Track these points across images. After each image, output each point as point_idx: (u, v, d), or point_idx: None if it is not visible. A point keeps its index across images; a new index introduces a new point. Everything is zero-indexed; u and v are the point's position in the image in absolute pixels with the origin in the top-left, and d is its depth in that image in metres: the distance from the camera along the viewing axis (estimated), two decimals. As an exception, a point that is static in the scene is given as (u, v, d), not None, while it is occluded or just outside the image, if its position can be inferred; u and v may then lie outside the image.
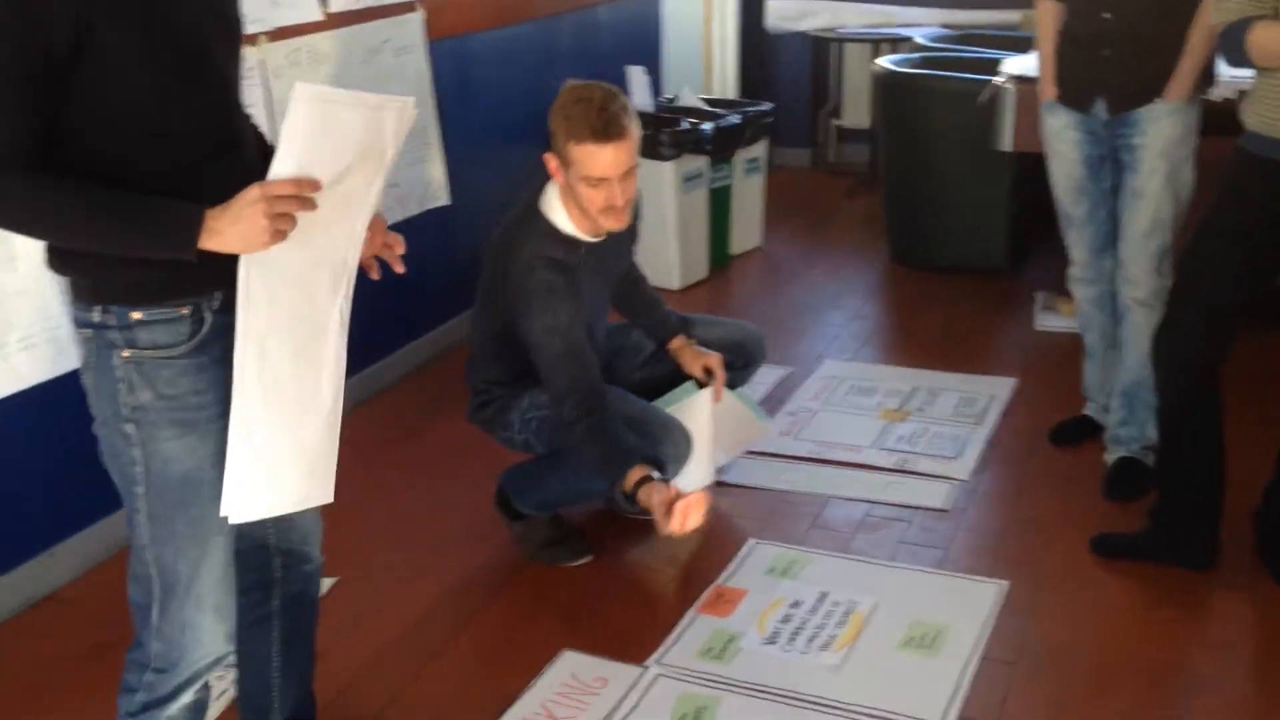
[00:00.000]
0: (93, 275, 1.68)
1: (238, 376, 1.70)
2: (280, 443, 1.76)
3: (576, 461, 2.74)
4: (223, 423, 1.74)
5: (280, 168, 1.62)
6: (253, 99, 3.31)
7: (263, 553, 2.01)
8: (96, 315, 1.69)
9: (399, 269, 1.89)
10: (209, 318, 1.72)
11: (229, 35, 1.76)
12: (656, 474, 2.55)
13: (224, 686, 2.44)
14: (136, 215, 1.60)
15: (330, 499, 1.87)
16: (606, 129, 2.55)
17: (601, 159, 2.57)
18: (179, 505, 1.75)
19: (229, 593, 1.84)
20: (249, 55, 3.28)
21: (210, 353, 1.73)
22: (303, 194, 1.62)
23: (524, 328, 2.69)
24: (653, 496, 2.49)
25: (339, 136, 1.64)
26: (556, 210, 2.73)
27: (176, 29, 1.63)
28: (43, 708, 2.47)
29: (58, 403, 2.71)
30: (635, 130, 2.61)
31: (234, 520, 1.76)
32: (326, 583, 2.86)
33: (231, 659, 1.96)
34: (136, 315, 1.68)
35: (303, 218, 1.64)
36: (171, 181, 1.64)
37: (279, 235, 1.62)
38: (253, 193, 1.60)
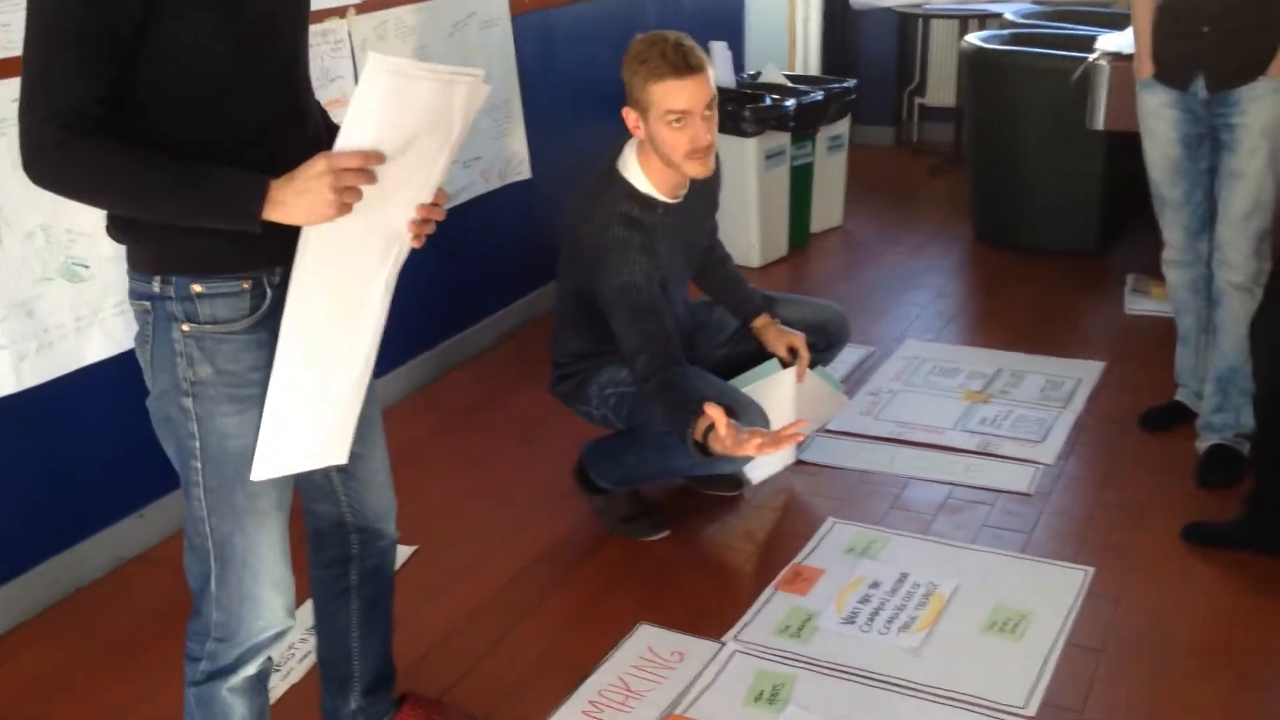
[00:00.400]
0: (153, 244, 1.65)
1: (283, 336, 1.69)
2: (312, 403, 1.75)
3: (655, 440, 2.74)
4: None
5: (348, 139, 1.60)
6: (340, 70, 3.34)
7: (341, 530, 2.02)
8: (156, 286, 1.67)
9: (414, 244, 1.77)
10: (270, 292, 1.70)
11: (296, 5, 1.74)
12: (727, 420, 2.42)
13: (306, 649, 2.49)
14: (201, 185, 1.58)
15: (344, 460, 1.84)
16: (686, 60, 2.56)
17: (684, 92, 2.56)
18: (237, 479, 1.74)
19: (287, 566, 1.84)
20: (337, 27, 3.31)
21: (270, 327, 1.71)
22: (368, 166, 1.60)
23: (599, 285, 2.68)
24: (724, 436, 2.37)
25: (409, 108, 1.62)
26: (634, 170, 2.72)
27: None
28: (131, 664, 2.54)
29: (149, 367, 2.77)
30: (710, 67, 2.61)
31: (256, 478, 1.73)
32: (406, 551, 2.90)
33: (294, 637, 1.96)
34: (197, 288, 1.66)
35: (365, 188, 1.62)
36: (236, 153, 1.62)
37: (345, 208, 1.60)
38: (319, 165, 1.58)
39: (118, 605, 2.75)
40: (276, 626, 1.84)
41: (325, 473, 1.93)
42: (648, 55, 2.57)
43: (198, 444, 1.72)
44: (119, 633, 2.64)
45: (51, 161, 1.54)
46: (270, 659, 1.89)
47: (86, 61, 1.52)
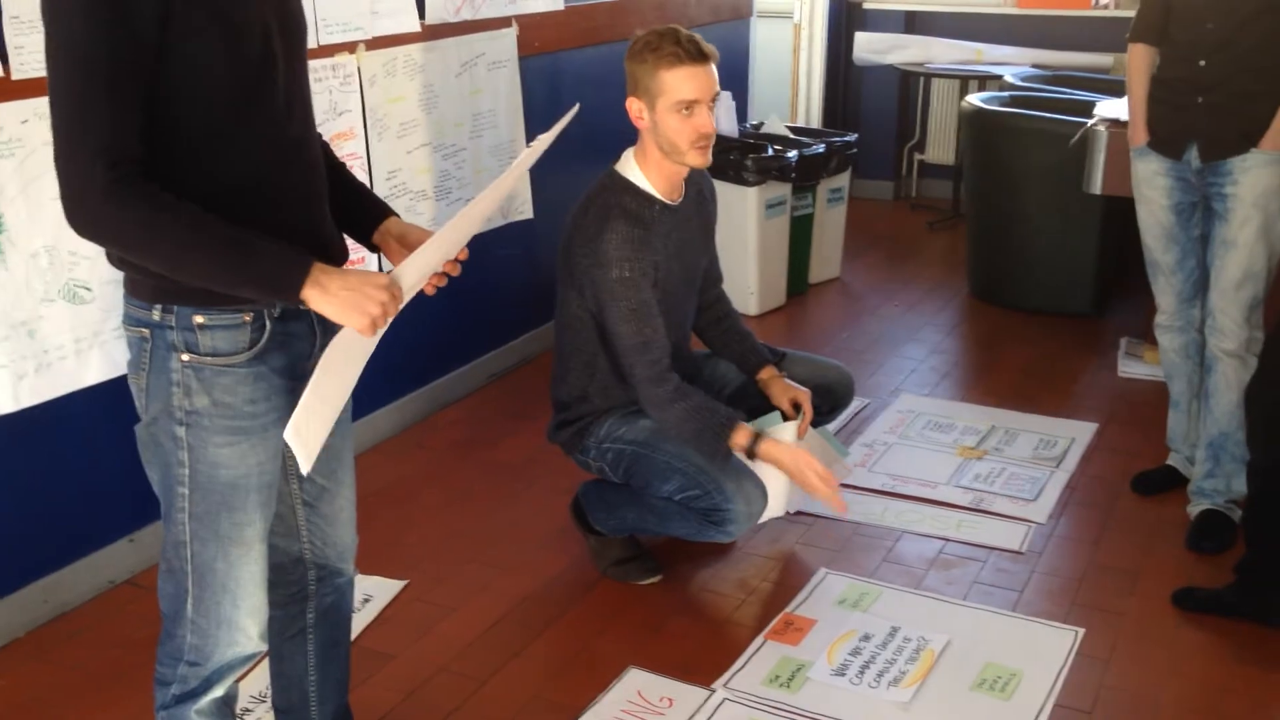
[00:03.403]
0: (155, 273, 1.63)
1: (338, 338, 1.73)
2: (323, 402, 1.76)
3: (654, 506, 2.77)
4: (276, 430, 1.74)
5: (442, 244, 1.71)
6: (348, 105, 3.37)
7: (299, 566, 1.99)
8: (156, 314, 1.67)
9: (428, 291, 1.83)
10: (269, 325, 1.71)
11: (293, 36, 1.74)
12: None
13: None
14: (249, 258, 1.58)
15: (305, 470, 1.82)
16: (698, 48, 2.61)
17: (696, 79, 2.60)
18: (224, 507, 1.73)
19: (265, 593, 1.84)
20: (346, 62, 3.33)
21: (269, 361, 1.72)
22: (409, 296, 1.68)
23: (598, 281, 2.68)
24: (783, 455, 2.65)
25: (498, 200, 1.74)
26: (632, 169, 2.76)
27: (244, 23, 1.61)
28: (116, 688, 2.51)
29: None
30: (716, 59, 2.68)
31: (305, 470, 1.74)
32: (395, 586, 2.88)
33: (266, 665, 1.96)
34: (199, 319, 1.66)
35: None
36: (237, 186, 1.63)
37: (375, 327, 1.64)
38: (383, 280, 1.62)
39: (104, 629, 2.73)
40: (250, 650, 1.84)
41: (290, 506, 1.92)
42: (659, 44, 2.61)
43: (187, 471, 1.72)
44: (105, 657, 2.62)
45: (98, 209, 1.51)
46: (237, 683, 1.89)
47: (121, 95, 1.51)
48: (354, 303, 1.61)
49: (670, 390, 2.66)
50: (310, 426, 1.70)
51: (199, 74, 1.58)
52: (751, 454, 2.67)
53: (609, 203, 2.71)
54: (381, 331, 1.69)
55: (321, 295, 1.61)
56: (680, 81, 2.60)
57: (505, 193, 1.80)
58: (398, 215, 1.93)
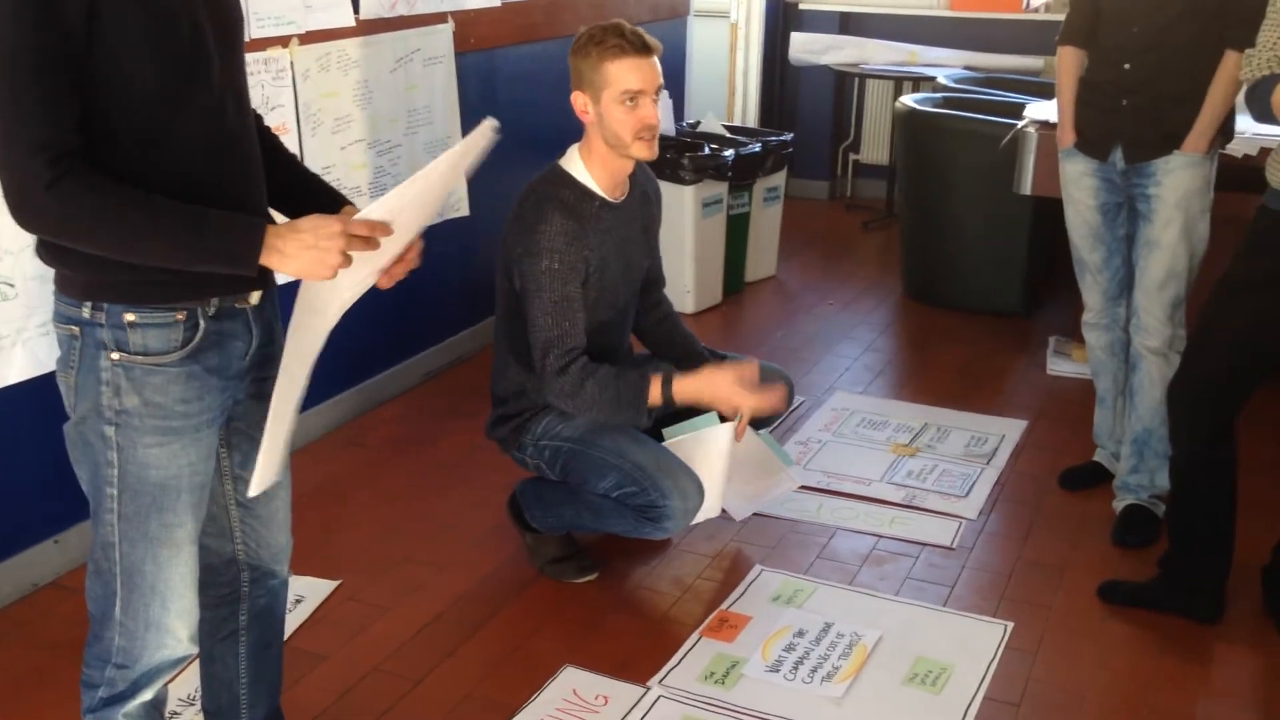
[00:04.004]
0: (86, 269, 1.61)
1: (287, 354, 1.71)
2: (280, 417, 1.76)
3: (590, 503, 2.77)
4: (209, 431, 1.72)
5: (384, 206, 1.65)
6: (281, 99, 3.32)
7: (231, 568, 1.96)
8: (86, 312, 1.64)
9: (383, 285, 1.79)
10: (204, 324, 1.69)
11: (228, 26, 1.72)
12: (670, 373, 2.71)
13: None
14: (200, 230, 1.57)
15: (277, 479, 1.84)
16: (642, 41, 2.65)
17: (640, 70, 2.63)
18: (154, 508, 1.71)
19: (195, 595, 1.81)
20: (279, 56, 3.29)
21: (203, 361, 1.70)
22: (374, 236, 1.63)
23: (526, 269, 2.69)
24: (696, 382, 2.72)
25: (445, 181, 1.70)
26: (576, 164, 2.77)
27: (172, 14, 1.59)
28: (40, 691, 2.46)
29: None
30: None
31: (253, 493, 1.73)
32: (328, 586, 2.86)
33: (195, 668, 1.93)
34: (130, 316, 1.63)
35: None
36: (174, 177, 1.61)
37: (336, 271, 1.62)
38: (333, 227, 1.59)
39: (29, 632, 2.67)
40: (180, 653, 1.82)
41: (223, 506, 1.89)
42: (604, 37, 2.63)
43: (115, 472, 1.69)
44: (29, 660, 2.57)
45: (43, 203, 1.50)
46: (166, 686, 1.86)
47: (54, 89, 1.49)
48: (314, 259, 1.60)
49: (577, 371, 2.67)
50: (270, 445, 1.70)
51: (127, 66, 1.55)
52: (670, 400, 2.71)
53: (547, 194, 2.72)
54: (339, 311, 1.71)
55: (280, 260, 1.60)
56: (625, 73, 2.62)
57: (452, 179, 1.76)
58: (353, 204, 1.90)
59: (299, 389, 1.75)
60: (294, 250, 1.59)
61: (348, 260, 1.62)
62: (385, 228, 1.64)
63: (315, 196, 1.89)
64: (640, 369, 2.76)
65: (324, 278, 1.62)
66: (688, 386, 2.72)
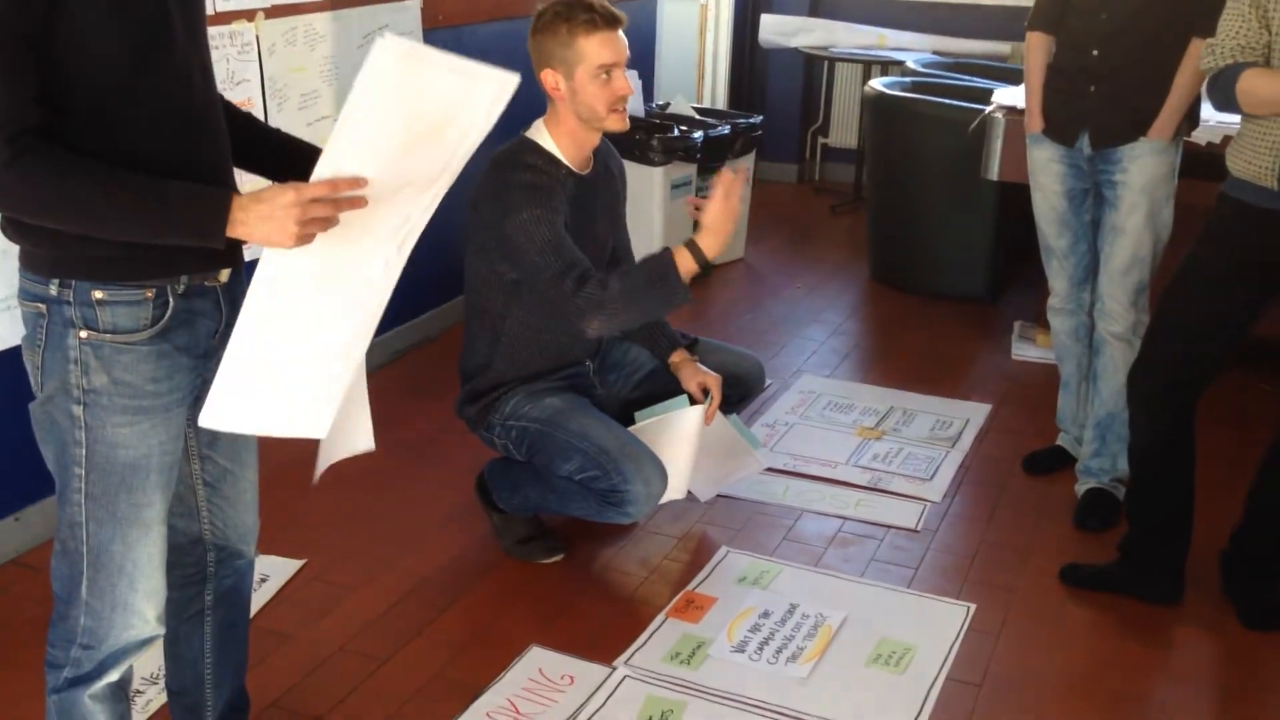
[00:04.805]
0: (53, 245, 1.59)
1: (250, 293, 1.64)
2: (279, 364, 1.69)
3: (555, 484, 2.76)
4: (179, 410, 1.71)
5: (339, 143, 1.56)
6: (247, 74, 3.29)
7: (197, 548, 1.95)
8: (53, 289, 1.62)
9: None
10: (172, 302, 1.67)
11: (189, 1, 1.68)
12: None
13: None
14: (164, 202, 1.55)
15: (323, 435, 1.82)
16: (610, 14, 2.64)
17: (611, 44, 2.63)
18: (122, 488, 1.70)
19: (163, 576, 1.80)
20: (244, 30, 3.26)
21: (173, 339, 1.68)
22: (338, 196, 1.58)
23: (510, 229, 2.64)
24: (717, 230, 2.59)
25: (422, 100, 1.56)
26: (544, 136, 2.75)
27: None
28: (2, 670, 2.44)
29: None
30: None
31: (204, 424, 1.69)
32: (293, 565, 2.84)
33: (159, 647, 1.91)
34: (98, 294, 1.61)
35: (378, 174, 1.58)
36: (138, 152, 1.58)
37: (306, 238, 1.58)
38: (288, 195, 1.55)
39: (-13, 612, 2.65)
40: (146, 634, 1.80)
41: (190, 487, 1.88)
42: (571, 13, 2.62)
43: (84, 451, 1.67)
44: (-12, 640, 2.55)
45: (3, 180, 1.48)
46: (132, 667, 1.85)
47: (12, 64, 1.47)
48: (276, 227, 1.57)
49: (597, 279, 2.59)
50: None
51: (90, 36, 1.53)
52: (705, 259, 2.59)
53: (515, 160, 2.70)
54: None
55: (243, 230, 1.58)
56: (598, 47, 2.61)
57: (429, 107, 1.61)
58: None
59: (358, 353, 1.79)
60: (251, 220, 1.57)
61: (313, 225, 1.57)
62: (350, 182, 1.58)
63: (287, 155, 1.85)
64: (661, 252, 2.64)
65: (287, 246, 1.59)
66: (710, 240, 2.59)
